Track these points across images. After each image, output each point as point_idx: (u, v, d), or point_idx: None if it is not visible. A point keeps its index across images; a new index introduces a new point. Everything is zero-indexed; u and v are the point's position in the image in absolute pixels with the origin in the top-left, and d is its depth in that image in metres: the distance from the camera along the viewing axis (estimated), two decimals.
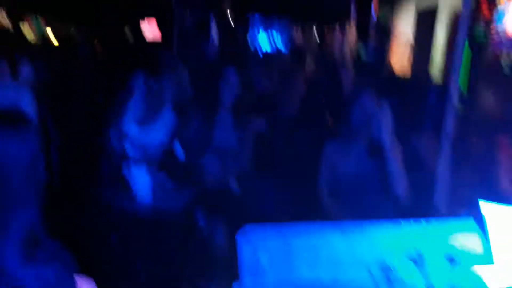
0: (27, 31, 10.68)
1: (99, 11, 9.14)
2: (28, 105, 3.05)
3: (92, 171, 2.91)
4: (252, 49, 11.44)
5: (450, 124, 3.14)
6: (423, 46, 6.23)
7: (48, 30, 11.14)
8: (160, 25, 6.39)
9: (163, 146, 2.95)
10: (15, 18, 9.91)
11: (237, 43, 9.04)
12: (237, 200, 2.89)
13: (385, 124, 2.32)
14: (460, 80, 3.20)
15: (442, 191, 3.11)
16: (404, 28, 7.13)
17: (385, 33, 7.43)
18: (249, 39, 13.59)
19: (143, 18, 9.99)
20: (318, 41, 14.96)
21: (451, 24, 5.56)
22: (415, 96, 4.50)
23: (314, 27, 15.70)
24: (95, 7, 8.72)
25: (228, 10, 9.58)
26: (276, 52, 8.35)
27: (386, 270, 1.49)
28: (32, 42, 8.73)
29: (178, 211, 2.23)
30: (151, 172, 2.39)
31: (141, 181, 2.31)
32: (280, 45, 17.95)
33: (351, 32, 7.94)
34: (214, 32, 6.94)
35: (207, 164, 2.85)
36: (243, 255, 1.49)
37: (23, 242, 1.02)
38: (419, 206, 2.52)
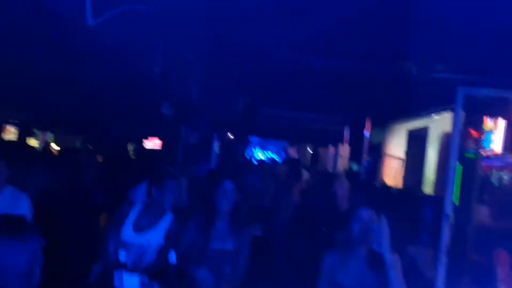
0: (33, 143, 11.10)
1: (104, 128, 9.60)
2: (26, 210, 3.09)
3: (83, 277, 2.85)
4: (249, 163, 11.93)
5: (445, 237, 3.15)
6: (415, 162, 6.46)
7: (53, 144, 11.61)
8: (165, 141, 6.76)
9: (159, 254, 2.94)
10: (24, 132, 10.35)
11: (235, 159, 9.38)
12: None
13: (384, 237, 2.34)
14: (453, 194, 3.32)
15: None
16: (396, 146, 7.46)
17: (377, 151, 7.75)
18: (247, 156, 14.16)
19: (146, 138, 10.58)
20: (312, 158, 15.48)
21: (441, 142, 5.84)
22: (408, 209, 4.55)
23: (308, 148, 16.44)
24: (100, 125, 9.18)
25: (228, 132, 10.25)
26: (271, 165, 8.68)
27: None
28: (36, 153, 8.99)
29: None
30: (142, 281, 2.34)
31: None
32: (275, 160, 18.54)
33: (344, 151, 8.28)
34: (215, 149, 7.37)
35: (201, 275, 2.79)
36: None
37: None
38: None
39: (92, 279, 2.84)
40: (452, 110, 4.78)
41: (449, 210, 3.17)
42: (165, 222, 3.01)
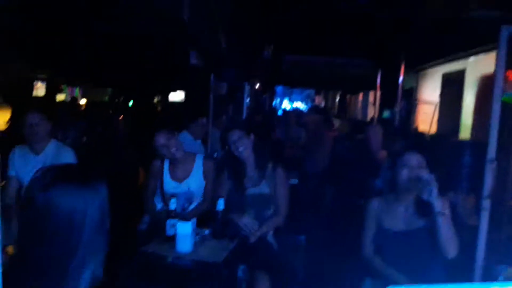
0: (61, 98, 11.27)
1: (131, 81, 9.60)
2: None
3: (134, 226, 2.97)
4: (278, 111, 11.90)
5: (489, 182, 3.10)
6: (451, 107, 6.31)
7: (81, 98, 11.79)
8: (192, 92, 6.74)
9: (204, 196, 3.10)
10: (53, 88, 10.44)
11: (263, 107, 9.35)
12: (275, 254, 2.87)
13: (433, 183, 2.31)
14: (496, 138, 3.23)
15: (483, 251, 3.02)
16: (430, 91, 7.28)
17: (410, 97, 7.58)
18: (275, 104, 14.08)
19: (174, 90, 10.58)
20: (341, 106, 15.30)
21: (479, 85, 5.66)
22: (444, 156, 4.49)
23: (338, 95, 16.15)
24: (129, 78, 9.17)
25: (257, 82, 10.13)
26: (299, 114, 8.61)
27: None
28: (68, 107, 9.14)
29: (218, 264, 2.22)
30: (193, 227, 2.40)
31: (184, 235, 2.32)
32: (302, 109, 18.40)
33: (376, 97, 8.11)
34: (245, 98, 7.34)
35: (244, 220, 2.86)
36: None
37: None
38: (464, 267, 2.43)
39: (143, 227, 2.96)
40: (490, 50, 4.57)
41: (492, 155, 3.10)
42: (198, 162, 3.18)
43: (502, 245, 3.39)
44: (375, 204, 2.54)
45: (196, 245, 2.35)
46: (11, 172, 3.06)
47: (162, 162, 3.18)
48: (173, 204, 2.51)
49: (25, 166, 3.05)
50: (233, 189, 2.96)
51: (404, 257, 2.36)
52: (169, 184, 3.13)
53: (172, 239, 2.39)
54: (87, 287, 1.05)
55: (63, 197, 1.05)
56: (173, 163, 3.16)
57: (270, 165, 2.97)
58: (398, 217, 2.45)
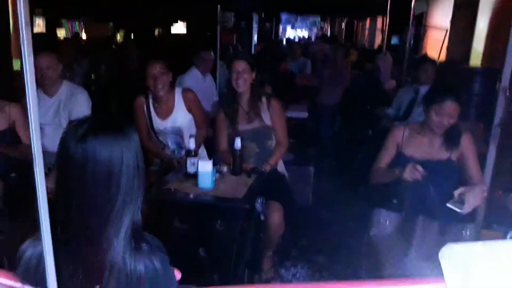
0: (61, 34, 10.98)
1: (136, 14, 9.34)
2: (85, 103, 3.11)
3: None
4: (283, 39, 11.53)
5: (501, 110, 3.10)
6: (462, 32, 6.14)
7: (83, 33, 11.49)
8: (204, 25, 6.48)
9: (201, 129, 3.14)
10: (52, 23, 10.14)
11: (269, 35, 9.11)
12: (286, 184, 2.98)
13: None
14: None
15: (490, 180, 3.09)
16: (442, 16, 7.04)
17: (420, 22, 7.32)
18: (280, 32, 13.66)
19: (177, 21, 10.24)
20: (348, 33, 14.86)
21: (495, 10, 5.46)
22: (455, 82, 4.44)
23: (344, 22, 15.58)
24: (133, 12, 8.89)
25: (262, 11, 9.78)
26: (305, 41, 8.38)
27: None
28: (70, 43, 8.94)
29: (239, 199, 2.32)
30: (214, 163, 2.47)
31: (205, 172, 2.40)
32: (309, 36, 17.89)
33: (385, 23, 7.88)
34: (254, 29, 7.12)
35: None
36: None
37: (131, 236, 1.11)
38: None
39: (155, 168, 3.03)
40: None
41: (506, 82, 3.07)
42: (178, 96, 3.06)
43: (509, 174, 3.46)
44: (399, 131, 2.58)
45: (216, 181, 2.44)
46: None
47: (147, 98, 3.07)
48: (192, 144, 2.56)
49: (39, 108, 3.04)
50: (229, 126, 2.92)
51: (421, 186, 2.38)
52: (156, 121, 3.05)
53: (193, 176, 2.48)
54: (127, 231, 1.09)
55: (100, 147, 1.07)
56: (155, 99, 3.05)
57: (264, 99, 2.91)
58: (421, 147, 2.51)
